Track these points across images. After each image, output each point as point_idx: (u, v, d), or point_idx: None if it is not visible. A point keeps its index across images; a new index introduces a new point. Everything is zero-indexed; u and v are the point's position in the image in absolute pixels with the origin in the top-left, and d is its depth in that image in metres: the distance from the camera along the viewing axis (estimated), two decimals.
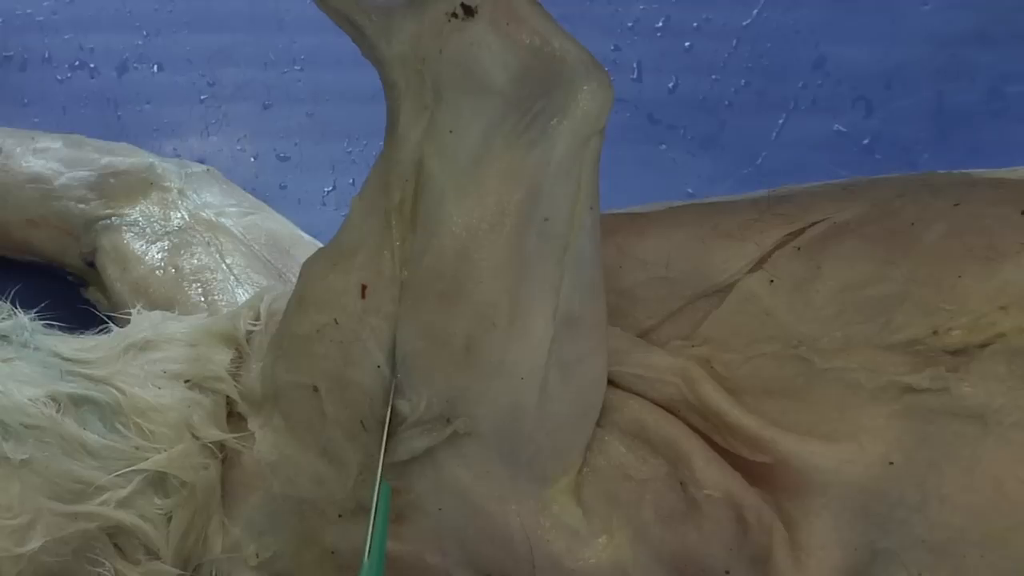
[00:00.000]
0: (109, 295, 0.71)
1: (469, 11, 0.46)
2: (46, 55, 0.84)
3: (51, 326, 0.59)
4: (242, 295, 0.69)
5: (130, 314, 0.60)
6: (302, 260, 0.54)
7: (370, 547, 0.48)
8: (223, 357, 0.57)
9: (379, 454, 0.50)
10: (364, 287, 0.50)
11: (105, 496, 0.53)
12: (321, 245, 0.54)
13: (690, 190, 0.81)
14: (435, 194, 0.48)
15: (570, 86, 0.47)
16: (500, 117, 0.47)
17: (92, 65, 0.84)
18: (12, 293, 0.59)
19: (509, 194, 0.48)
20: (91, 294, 0.73)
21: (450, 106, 0.47)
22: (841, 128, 0.84)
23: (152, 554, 0.54)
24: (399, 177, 0.49)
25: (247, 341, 0.58)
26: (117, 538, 0.54)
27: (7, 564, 0.52)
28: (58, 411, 0.54)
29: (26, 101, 0.83)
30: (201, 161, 0.78)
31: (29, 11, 0.85)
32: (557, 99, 0.47)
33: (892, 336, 0.52)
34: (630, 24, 0.87)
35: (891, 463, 0.51)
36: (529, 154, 0.48)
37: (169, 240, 0.71)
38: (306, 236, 0.75)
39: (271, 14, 0.86)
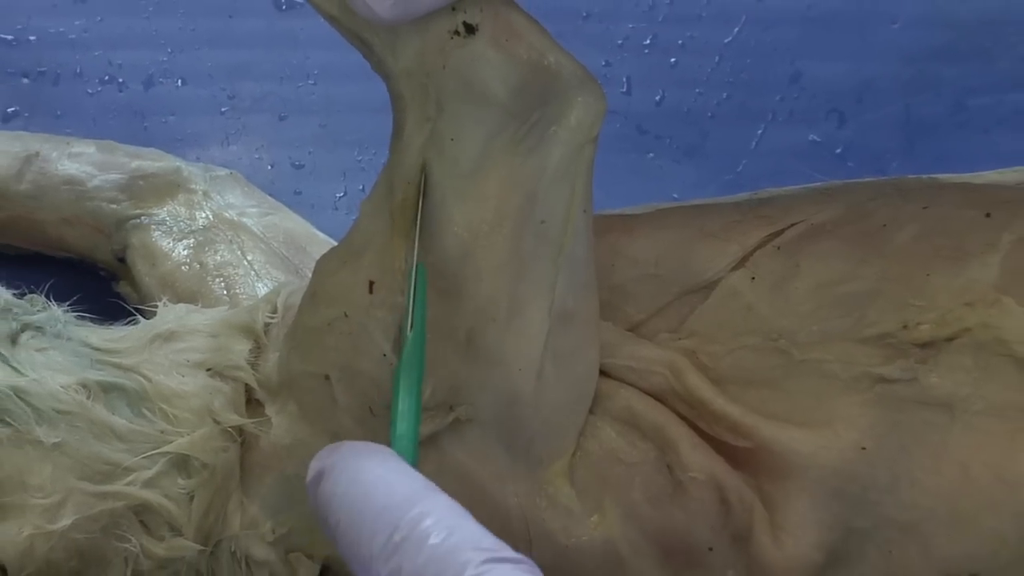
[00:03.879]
0: (139, 289, 0.71)
1: (470, 29, 0.45)
2: (78, 70, 0.84)
3: (83, 318, 0.58)
4: (262, 289, 0.69)
5: (157, 307, 0.60)
6: (317, 256, 0.53)
7: (412, 321, 0.47)
8: (242, 347, 0.57)
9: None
10: (371, 283, 0.50)
11: (132, 477, 0.53)
12: (334, 243, 0.54)
13: (675, 195, 0.81)
14: (438, 198, 0.48)
15: (565, 97, 0.47)
16: (499, 126, 0.47)
17: (120, 80, 0.84)
18: (47, 287, 0.59)
19: (508, 198, 0.47)
20: (122, 288, 0.73)
21: (452, 116, 0.46)
22: (816, 138, 0.84)
23: (175, 531, 0.54)
24: (403, 180, 0.48)
25: (265, 333, 0.57)
26: (143, 516, 0.53)
27: (40, 541, 0.51)
28: (88, 397, 0.54)
29: (59, 113, 0.82)
30: None
31: (62, 29, 0.84)
32: (553, 110, 0.47)
33: (865, 330, 0.52)
34: (620, 41, 0.86)
35: (864, 448, 0.51)
36: (527, 161, 0.47)
37: (194, 238, 0.71)
38: (321, 234, 0.75)
39: (286, 32, 0.85)
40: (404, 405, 0.45)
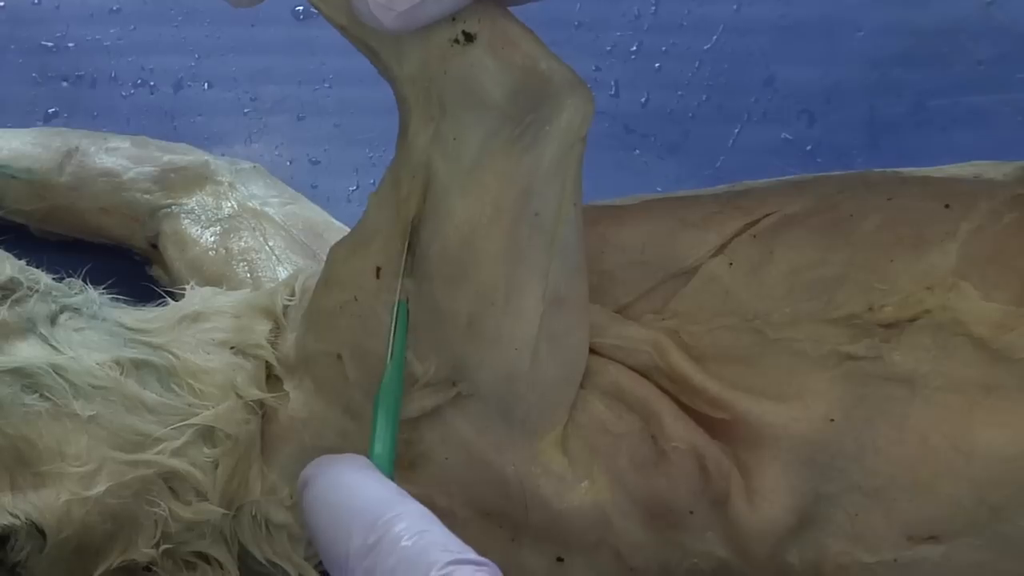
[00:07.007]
0: (170, 272, 0.70)
1: (469, 37, 0.44)
2: (112, 75, 0.83)
3: (117, 300, 0.58)
4: (282, 272, 0.68)
5: (185, 290, 0.60)
6: (333, 243, 0.53)
7: (392, 353, 0.47)
8: (263, 327, 0.56)
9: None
10: (378, 269, 0.49)
11: (161, 446, 0.53)
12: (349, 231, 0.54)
13: (659, 188, 0.80)
14: (441, 193, 0.47)
15: (556, 100, 0.46)
16: (497, 127, 0.46)
17: (152, 83, 0.83)
18: (84, 271, 0.58)
19: (505, 193, 0.47)
20: (155, 271, 0.72)
21: (454, 118, 0.46)
22: (788, 136, 0.83)
23: (201, 496, 0.53)
24: (408, 175, 0.48)
25: (283, 314, 0.57)
26: (171, 482, 0.53)
27: (76, 505, 0.51)
28: (121, 373, 0.53)
29: (96, 114, 0.81)
30: None
31: (98, 37, 0.84)
32: (546, 111, 0.46)
33: (833, 311, 0.51)
34: (608, 48, 0.86)
35: (832, 420, 0.50)
36: (522, 158, 0.47)
37: (220, 226, 0.70)
38: (336, 222, 0.74)
39: (304, 40, 0.85)
40: (382, 426, 0.46)
